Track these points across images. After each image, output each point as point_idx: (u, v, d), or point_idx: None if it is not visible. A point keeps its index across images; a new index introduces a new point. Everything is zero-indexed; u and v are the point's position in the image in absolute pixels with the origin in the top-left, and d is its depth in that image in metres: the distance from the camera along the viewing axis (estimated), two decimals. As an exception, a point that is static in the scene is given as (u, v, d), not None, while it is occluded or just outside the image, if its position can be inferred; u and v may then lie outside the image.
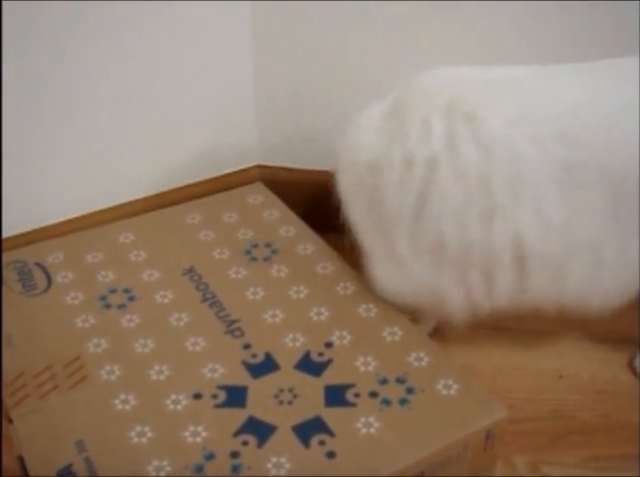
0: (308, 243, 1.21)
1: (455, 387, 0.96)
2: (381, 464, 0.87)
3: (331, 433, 0.90)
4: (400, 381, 0.97)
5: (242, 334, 1.03)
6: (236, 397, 0.95)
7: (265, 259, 1.18)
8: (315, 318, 1.07)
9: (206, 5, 1.26)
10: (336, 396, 0.95)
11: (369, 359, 1.00)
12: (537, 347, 1.26)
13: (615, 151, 0.91)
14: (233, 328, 1.04)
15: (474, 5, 1.21)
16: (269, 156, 1.46)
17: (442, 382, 0.97)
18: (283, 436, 0.90)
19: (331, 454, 0.87)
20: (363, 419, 0.91)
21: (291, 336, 1.03)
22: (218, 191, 1.39)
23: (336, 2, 1.26)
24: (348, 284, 1.12)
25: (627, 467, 1.06)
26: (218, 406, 0.93)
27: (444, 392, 0.96)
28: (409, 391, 0.95)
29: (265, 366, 0.99)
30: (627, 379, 1.20)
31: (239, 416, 0.92)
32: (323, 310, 1.08)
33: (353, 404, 0.94)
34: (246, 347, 1.01)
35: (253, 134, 1.45)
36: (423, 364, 1.00)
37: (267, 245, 1.21)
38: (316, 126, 1.39)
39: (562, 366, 1.22)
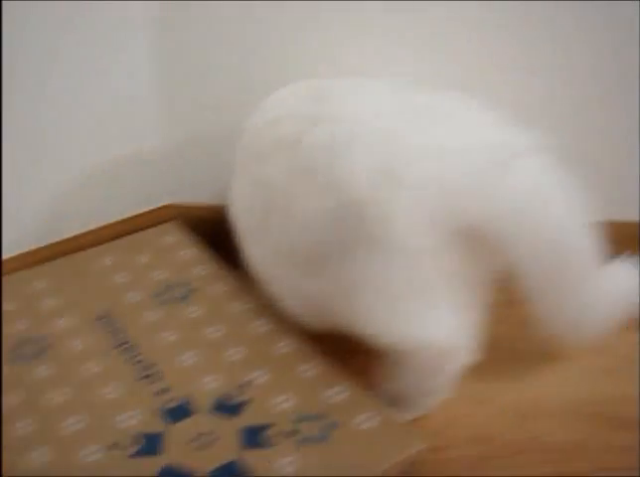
0: (223, 282, 1.21)
1: (375, 420, 0.97)
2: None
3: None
4: (318, 417, 0.97)
5: (158, 379, 1.02)
6: (151, 444, 0.93)
7: (181, 300, 1.17)
8: (232, 358, 1.06)
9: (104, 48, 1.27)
10: (254, 437, 0.94)
11: (287, 397, 0.99)
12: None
13: None
14: (148, 373, 1.03)
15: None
16: (182, 194, 1.46)
17: (361, 416, 0.97)
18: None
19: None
20: (282, 460, 0.91)
21: (208, 378, 1.02)
22: (131, 232, 1.38)
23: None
24: (264, 321, 1.12)
25: None
26: (133, 456, 0.92)
27: (364, 425, 0.96)
28: (329, 427, 0.95)
29: (181, 410, 0.97)
30: (551, 398, 1.21)
31: (154, 465, 0.90)
32: (240, 349, 1.07)
33: (271, 445, 0.93)
34: (162, 392, 1.00)
35: (165, 173, 1.44)
36: (342, 398, 1.00)
37: (182, 286, 1.20)
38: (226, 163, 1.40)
39: (483, 390, 1.22)
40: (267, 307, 1.15)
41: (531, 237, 0.94)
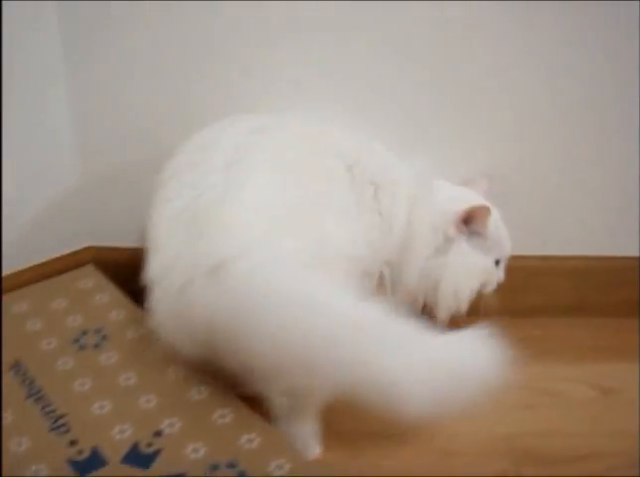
0: (139, 326, 1.20)
1: (287, 466, 0.97)
2: None
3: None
4: (231, 465, 0.97)
5: (69, 430, 1.01)
6: (60, 498, 0.93)
7: (95, 346, 1.17)
8: (144, 406, 1.06)
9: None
10: (165, 489, 0.95)
11: (199, 445, 1.00)
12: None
13: None
14: (58, 424, 1.02)
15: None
16: (102, 237, 1.46)
17: (274, 463, 0.97)
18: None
19: None
20: (194, 510, 0.92)
21: (119, 427, 1.02)
22: (51, 275, 1.37)
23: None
24: (179, 367, 1.12)
25: None
26: (42, 510, 0.92)
27: (277, 472, 0.96)
28: (241, 475, 0.96)
29: (91, 462, 0.96)
30: (468, 436, 1.22)
31: (63, 519, 0.91)
32: (152, 397, 1.07)
33: (183, 495, 0.94)
34: (72, 443, 0.99)
35: (85, 215, 1.44)
36: (254, 445, 1.00)
37: (97, 332, 1.20)
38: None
39: (404, 430, 1.22)
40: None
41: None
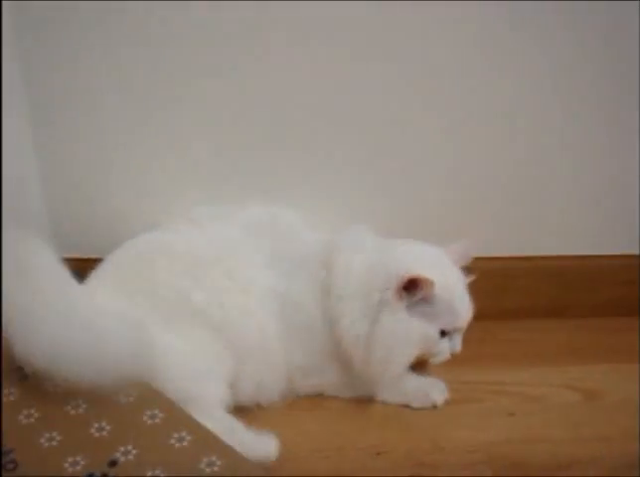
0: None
1: (251, 488, 0.93)
2: None
3: None
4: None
5: (16, 466, 0.95)
6: None
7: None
8: (97, 435, 1.00)
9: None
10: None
11: (157, 471, 0.94)
12: (356, 423, 1.25)
13: None
14: (6, 461, 0.95)
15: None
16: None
17: (238, 485, 0.93)
18: None
19: None
20: None
21: (71, 460, 0.95)
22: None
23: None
24: (130, 391, 1.06)
25: None
26: None
27: (240, 496, 0.92)
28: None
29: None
30: (448, 446, 1.20)
31: None
32: (104, 424, 1.01)
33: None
34: (21, 481, 0.93)
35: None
36: (216, 469, 0.95)
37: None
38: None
39: (380, 441, 1.21)
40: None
41: None
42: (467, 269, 1.27)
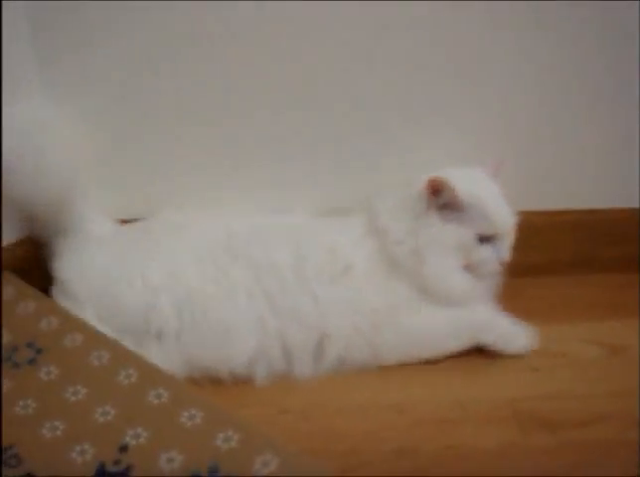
0: (76, 333, 1.09)
1: (275, 462, 0.89)
2: None
3: None
4: (212, 471, 0.88)
5: (20, 462, 0.90)
6: None
7: (30, 362, 1.05)
8: (102, 420, 0.95)
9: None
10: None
11: (172, 453, 0.90)
12: (378, 382, 1.23)
13: None
14: (8, 456, 0.90)
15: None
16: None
17: (259, 459, 0.90)
18: None
19: None
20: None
21: (78, 449, 0.91)
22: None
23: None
24: (131, 371, 1.02)
25: None
26: None
27: (264, 471, 0.89)
28: (224, 481, 0.88)
29: (55, 495, 0.87)
30: (471, 404, 1.18)
31: None
32: (109, 408, 0.97)
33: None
34: None
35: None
36: (233, 444, 0.92)
37: (29, 345, 1.08)
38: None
39: (403, 399, 1.19)
40: (130, 354, 1.07)
41: None
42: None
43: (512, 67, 1.31)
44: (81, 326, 1.11)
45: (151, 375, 1.02)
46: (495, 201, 1.24)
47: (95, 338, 1.09)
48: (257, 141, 1.34)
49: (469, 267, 1.25)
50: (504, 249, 1.24)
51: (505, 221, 1.24)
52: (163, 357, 1.16)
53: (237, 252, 1.27)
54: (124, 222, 1.35)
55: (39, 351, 1.07)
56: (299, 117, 1.33)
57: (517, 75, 1.32)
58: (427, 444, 1.10)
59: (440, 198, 1.22)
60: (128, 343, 1.14)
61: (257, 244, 1.28)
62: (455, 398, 1.18)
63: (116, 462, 0.90)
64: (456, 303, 1.25)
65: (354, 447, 1.09)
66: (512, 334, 1.26)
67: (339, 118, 1.33)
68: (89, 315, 1.18)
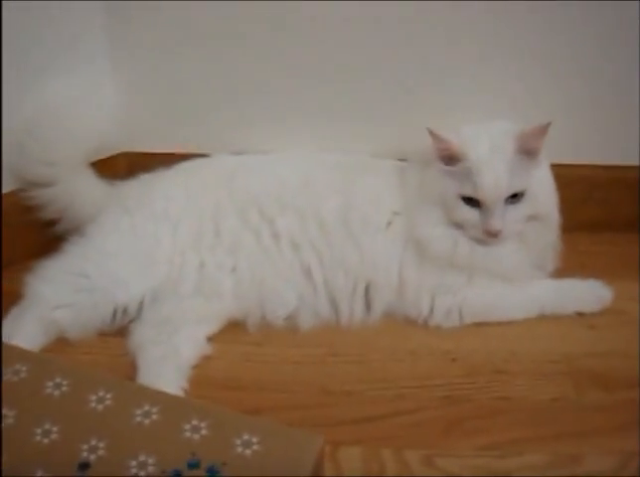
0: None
1: (255, 440, 0.83)
2: None
3: None
4: (192, 465, 0.80)
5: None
6: None
7: None
8: (46, 441, 0.83)
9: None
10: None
11: (142, 457, 0.81)
12: (430, 330, 1.24)
13: None
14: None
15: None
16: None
17: (239, 441, 0.83)
18: None
19: None
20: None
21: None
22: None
23: None
24: (58, 380, 0.90)
25: (527, 451, 1.02)
26: None
27: (248, 452, 0.82)
28: (211, 470, 0.80)
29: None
30: (526, 356, 1.18)
31: None
32: (48, 426, 0.85)
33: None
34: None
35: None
36: (204, 432, 0.84)
37: None
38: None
39: (456, 347, 1.19)
40: (52, 361, 0.96)
41: None
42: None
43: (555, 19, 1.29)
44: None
45: (83, 378, 0.91)
46: (490, 165, 1.19)
47: (5, 352, 0.94)
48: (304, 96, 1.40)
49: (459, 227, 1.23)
50: (490, 218, 1.19)
51: (489, 188, 1.19)
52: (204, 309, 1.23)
53: (284, 202, 1.29)
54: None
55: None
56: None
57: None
58: (479, 393, 1.11)
59: (438, 150, 1.22)
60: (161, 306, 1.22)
61: (305, 195, 1.29)
62: (510, 351, 1.19)
63: (81, 478, 0.79)
64: (440, 259, 1.25)
65: (404, 392, 1.11)
66: (585, 296, 1.27)
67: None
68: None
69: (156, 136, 1.46)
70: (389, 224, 1.28)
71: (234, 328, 1.25)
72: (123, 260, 1.24)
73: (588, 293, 1.27)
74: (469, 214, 1.20)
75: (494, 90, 1.35)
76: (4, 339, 1.11)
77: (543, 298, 1.27)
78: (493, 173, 1.17)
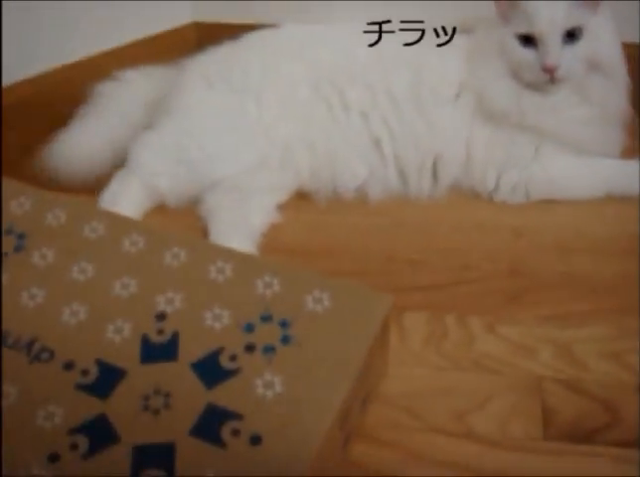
0: (56, 209, 0.97)
1: (325, 296, 0.85)
2: (311, 420, 0.75)
3: (237, 416, 0.75)
4: (265, 319, 0.83)
5: (53, 354, 0.81)
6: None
7: (17, 250, 0.93)
8: (125, 293, 0.87)
9: None
10: (212, 370, 0.79)
11: (217, 311, 0.84)
12: (497, 204, 1.27)
13: None
14: (36, 352, 0.81)
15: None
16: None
17: (310, 298, 0.85)
18: (185, 446, 0.73)
19: (255, 439, 0.73)
20: (259, 381, 0.77)
21: (112, 328, 0.83)
22: (151, 56, 1.34)
23: None
24: (135, 237, 0.93)
25: (589, 323, 1.03)
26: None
27: (319, 308, 0.84)
28: (283, 324, 0.83)
29: (107, 379, 0.78)
30: (592, 235, 1.19)
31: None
32: (127, 280, 0.88)
33: (237, 370, 0.79)
34: (67, 367, 0.79)
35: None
36: (276, 288, 0.87)
37: (9, 232, 0.95)
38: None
39: (522, 223, 1.21)
40: (128, 220, 0.99)
41: None
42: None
43: None
44: (60, 201, 0.98)
45: (159, 237, 0.93)
46: None
47: (81, 211, 0.97)
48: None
49: (517, 76, 1.22)
50: (546, 55, 1.17)
51: (544, 18, 1.16)
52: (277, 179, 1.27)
53: (354, 76, 1.29)
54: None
55: (21, 236, 0.95)
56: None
57: None
58: (543, 267, 1.13)
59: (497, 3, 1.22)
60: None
61: (375, 69, 1.30)
62: (576, 228, 1.20)
63: (160, 332, 0.83)
64: (507, 119, 1.25)
65: (469, 263, 1.14)
66: None
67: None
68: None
69: (227, 6, 1.44)
70: (457, 96, 1.27)
71: (301, 198, 1.28)
72: (220, 135, 1.27)
73: None
74: (526, 54, 1.20)
75: None
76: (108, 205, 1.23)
77: (611, 177, 1.26)
78: (549, 4, 1.17)
